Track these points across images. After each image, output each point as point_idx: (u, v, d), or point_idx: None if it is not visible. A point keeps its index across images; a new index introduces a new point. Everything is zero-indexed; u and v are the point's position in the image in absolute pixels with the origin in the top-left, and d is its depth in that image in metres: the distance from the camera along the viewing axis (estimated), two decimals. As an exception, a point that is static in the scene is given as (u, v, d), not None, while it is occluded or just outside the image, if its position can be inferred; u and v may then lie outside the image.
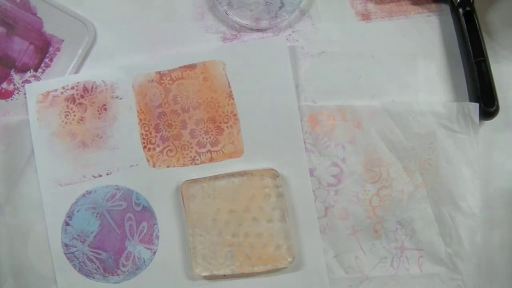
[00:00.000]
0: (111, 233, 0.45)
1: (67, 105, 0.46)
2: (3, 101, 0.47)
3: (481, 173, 0.45)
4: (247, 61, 0.45)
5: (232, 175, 0.44)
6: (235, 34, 0.47)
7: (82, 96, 0.46)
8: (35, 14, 0.47)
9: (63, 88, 0.46)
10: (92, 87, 0.46)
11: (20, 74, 0.47)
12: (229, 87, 0.45)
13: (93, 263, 0.45)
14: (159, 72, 0.46)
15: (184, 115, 0.46)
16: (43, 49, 0.47)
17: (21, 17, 0.47)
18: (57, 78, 0.47)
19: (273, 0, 0.47)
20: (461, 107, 0.44)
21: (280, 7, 0.47)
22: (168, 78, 0.46)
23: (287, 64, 0.45)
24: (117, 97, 0.46)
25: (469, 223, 0.44)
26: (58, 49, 0.47)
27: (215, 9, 0.48)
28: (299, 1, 0.46)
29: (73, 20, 0.47)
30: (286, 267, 0.44)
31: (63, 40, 0.47)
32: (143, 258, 0.45)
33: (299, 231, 0.44)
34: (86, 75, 0.47)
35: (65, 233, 0.45)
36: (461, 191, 0.44)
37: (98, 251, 0.45)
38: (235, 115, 0.45)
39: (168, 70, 0.46)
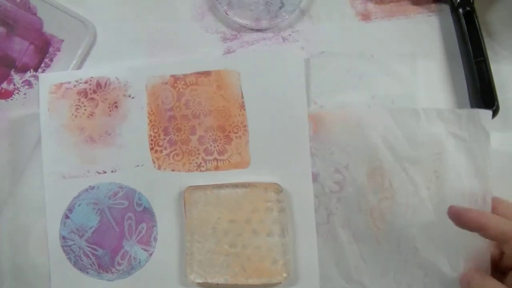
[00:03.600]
0: (110, 231, 0.45)
1: (79, 99, 0.46)
2: (3, 101, 0.47)
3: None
4: (262, 73, 0.45)
5: (236, 185, 0.44)
6: (235, 34, 0.47)
7: (94, 91, 0.46)
8: (35, 14, 0.47)
9: (77, 81, 0.47)
10: (105, 83, 0.46)
11: (20, 74, 0.47)
12: (242, 97, 0.45)
13: (88, 259, 0.45)
14: (173, 76, 0.46)
15: (194, 120, 0.46)
16: (43, 49, 0.47)
17: (21, 17, 0.47)
18: (71, 71, 0.47)
19: (273, 0, 0.47)
20: (472, 114, 0.42)
21: (280, 7, 0.47)
22: (182, 83, 0.46)
23: (302, 79, 0.45)
24: (129, 96, 0.46)
25: (479, 244, 0.40)
26: (58, 49, 0.47)
27: (215, 9, 0.48)
28: (299, 1, 0.46)
29: (73, 20, 0.47)
30: (280, 283, 0.44)
31: (63, 40, 0.47)
32: (139, 259, 0.45)
33: (297, 247, 0.44)
34: (101, 70, 0.47)
35: (64, 226, 0.46)
36: (471, 207, 0.40)
37: (95, 247, 0.45)
38: (245, 126, 0.45)
39: (183, 75, 0.46)
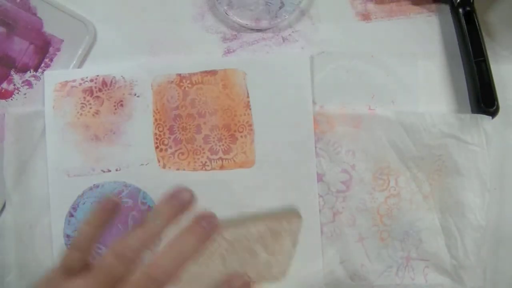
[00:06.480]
0: (114, 229, 0.45)
1: (84, 97, 0.46)
2: (3, 101, 0.47)
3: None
4: (268, 73, 0.45)
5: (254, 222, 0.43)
6: (235, 34, 0.47)
7: (100, 90, 0.46)
8: (35, 14, 0.47)
9: (82, 79, 0.46)
10: (111, 82, 0.46)
11: (20, 74, 0.47)
12: (248, 97, 0.45)
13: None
14: (179, 75, 0.46)
15: (200, 119, 0.46)
16: (43, 49, 0.47)
17: (21, 17, 0.47)
18: (77, 69, 0.47)
19: (273, 0, 0.47)
20: (475, 119, 0.44)
21: (280, 7, 0.47)
22: (188, 81, 0.46)
23: (308, 81, 0.45)
24: (135, 95, 0.46)
25: (475, 235, 0.43)
26: (58, 49, 0.47)
27: (215, 9, 0.48)
28: (299, 1, 0.47)
29: (73, 20, 0.47)
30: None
31: (63, 40, 0.47)
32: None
33: (301, 247, 0.44)
34: (106, 68, 0.47)
35: (69, 224, 0.45)
36: (469, 203, 0.43)
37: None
38: (250, 125, 0.45)
39: (189, 74, 0.46)
